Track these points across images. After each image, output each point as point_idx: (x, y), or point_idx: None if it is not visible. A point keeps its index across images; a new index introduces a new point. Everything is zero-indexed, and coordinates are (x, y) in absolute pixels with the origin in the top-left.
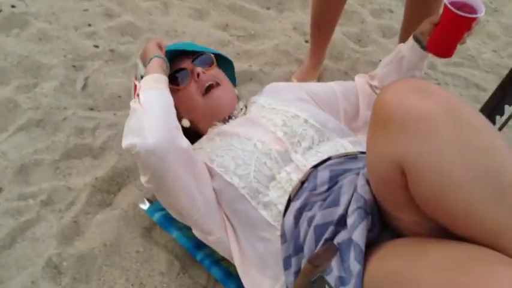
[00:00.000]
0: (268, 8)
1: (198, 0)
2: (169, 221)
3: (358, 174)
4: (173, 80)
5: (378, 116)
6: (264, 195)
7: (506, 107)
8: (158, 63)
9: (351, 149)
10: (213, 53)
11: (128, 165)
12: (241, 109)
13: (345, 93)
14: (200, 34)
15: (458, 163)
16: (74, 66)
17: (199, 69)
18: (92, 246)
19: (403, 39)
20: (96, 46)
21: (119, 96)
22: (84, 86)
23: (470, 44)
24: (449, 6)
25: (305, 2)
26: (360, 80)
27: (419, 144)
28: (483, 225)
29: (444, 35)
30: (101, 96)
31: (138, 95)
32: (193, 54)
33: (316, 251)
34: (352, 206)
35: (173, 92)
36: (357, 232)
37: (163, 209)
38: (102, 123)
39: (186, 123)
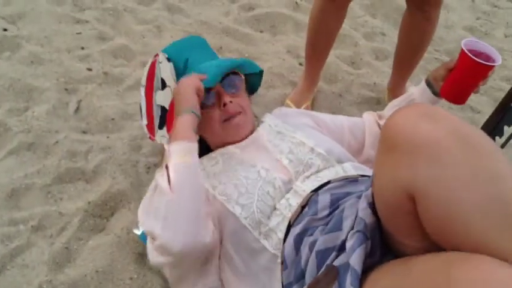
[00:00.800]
0: (261, 31)
1: (191, 24)
2: None
3: (359, 197)
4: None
5: (387, 139)
6: (265, 225)
7: (505, 128)
8: (191, 122)
9: (351, 172)
10: (240, 63)
11: (122, 189)
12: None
13: (352, 128)
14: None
15: (469, 190)
16: (66, 89)
17: (227, 99)
18: (84, 273)
19: (398, 62)
20: (90, 69)
21: (113, 119)
22: (77, 109)
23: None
24: (467, 53)
25: (298, 25)
26: (369, 117)
27: (429, 170)
28: (490, 253)
29: (460, 82)
30: (94, 119)
31: (167, 167)
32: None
33: (317, 275)
34: (353, 229)
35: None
36: (354, 256)
37: None
38: (95, 147)
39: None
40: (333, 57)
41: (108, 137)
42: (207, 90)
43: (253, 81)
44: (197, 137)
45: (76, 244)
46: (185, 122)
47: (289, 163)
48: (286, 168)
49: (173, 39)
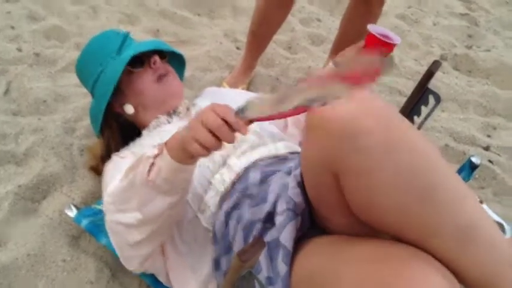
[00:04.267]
0: (199, 15)
1: (128, 5)
2: (98, 228)
3: (287, 173)
4: (129, 63)
5: (311, 120)
6: (201, 199)
7: (423, 107)
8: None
9: (282, 151)
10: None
11: (55, 171)
12: (187, 108)
13: None
14: None
15: (388, 160)
16: None
17: (156, 57)
18: (15, 257)
19: (336, 49)
20: (19, 49)
21: (44, 101)
22: (7, 91)
23: (394, 53)
24: (375, 34)
25: (236, 9)
26: None
27: (348, 147)
28: (412, 227)
29: None
30: (25, 101)
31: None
32: None
33: (244, 246)
34: (282, 207)
35: (126, 74)
36: (284, 233)
37: (91, 215)
38: (26, 129)
39: (130, 109)
40: (271, 41)
41: (39, 119)
42: (137, 56)
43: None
44: (132, 111)
45: (6, 228)
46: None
47: None
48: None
49: (108, 21)
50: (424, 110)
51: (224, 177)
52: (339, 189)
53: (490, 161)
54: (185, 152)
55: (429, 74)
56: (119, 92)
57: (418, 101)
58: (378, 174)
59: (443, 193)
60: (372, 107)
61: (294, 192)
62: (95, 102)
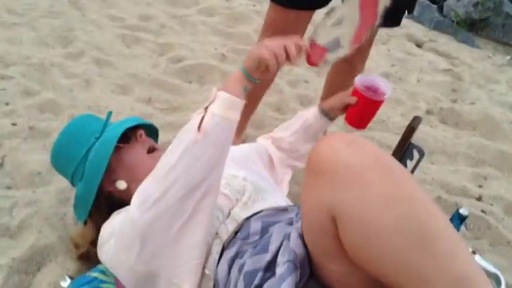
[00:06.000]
0: (190, 82)
1: (121, 77)
2: None
3: (288, 223)
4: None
5: (311, 166)
6: (209, 247)
7: (408, 161)
8: (242, 81)
9: (282, 203)
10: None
11: (49, 243)
12: None
13: (258, 153)
14: (124, 108)
15: (383, 212)
16: None
17: (141, 130)
18: None
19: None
20: (14, 124)
21: (39, 173)
22: (1, 165)
23: (381, 110)
24: (359, 90)
25: (225, 75)
26: (264, 141)
27: (347, 193)
28: (409, 274)
29: (358, 113)
30: (19, 174)
31: (206, 110)
32: None
33: None
34: (283, 258)
35: (115, 151)
36: (284, 286)
37: (86, 284)
38: (21, 202)
39: (122, 185)
40: (260, 103)
41: (34, 192)
42: (123, 135)
43: None
44: (124, 186)
45: None
46: (237, 78)
47: (229, 192)
48: (228, 196)
49: (102, 93)
50: (410, 164)
51: (228, 227)
52: (336, 234)
53: (483, 211)
54: (252, 65)
55: (411, 129)
56: (109, 170)
57: (403, 156)
58: (378, 222)
59: (443, 243)
60: (372, 155)
61: (295, 243)
62: (84, 185)
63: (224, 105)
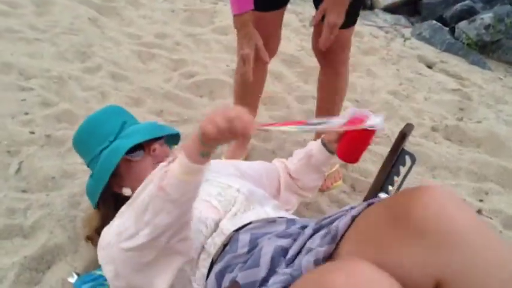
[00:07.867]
0: (201, 96)
1: (134, 90)
2: None
3: (279, 236)
4: (127, 152)
5: (416, 224)
6: (196, 261)
7: (401, 167)
8: (197, 147)
9: (271, 214)
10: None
11: (59, 242)
12: None
13: (268, 174)
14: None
15: (489, 276)
16: (8, 151)
17: (156, 145)
18: None
19: (318, 112)
20: (32, 132)
21: (53, 178)
22: (18, 170)
23: (386, 125)
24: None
25: None
26: (280, 164)
27: (458, 257)
28: None
29: (349, 146)
30: (34, 179)
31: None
32: None
33: None
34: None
35: (125, 161)
36: None
37: (91, 281)
38: (35, 204)
39: (128, 192)
40: (267, 117)
41: (47, 195)
42: (137, 146)
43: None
44: (129, 193)
45: None
46: (195, 143)
47: (219, 203)
48: (216, 208)
49: (116, 104)
50: (402, 170)
51: (215, 241)
52: None
53: None
54: (202, 138)
55: (402, 136)
56: (118, 175)
57: (395, 162)
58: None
59: None
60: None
61: (306, 266)
62: (93, 182)
63: (183, 169)
